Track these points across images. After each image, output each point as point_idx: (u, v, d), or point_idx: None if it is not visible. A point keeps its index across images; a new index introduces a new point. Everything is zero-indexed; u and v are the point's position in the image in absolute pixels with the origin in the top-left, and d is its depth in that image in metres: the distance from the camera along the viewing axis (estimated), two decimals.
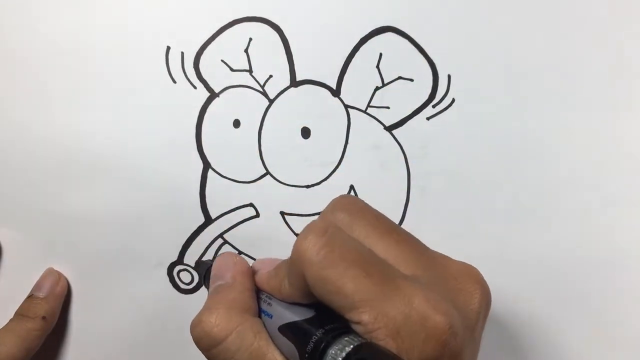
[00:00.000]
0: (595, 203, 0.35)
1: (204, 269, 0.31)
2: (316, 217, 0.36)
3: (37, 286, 0.36)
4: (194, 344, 0.37)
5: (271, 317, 0.25)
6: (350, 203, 0.26)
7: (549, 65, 0.34)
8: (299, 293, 0.24)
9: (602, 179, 0.35)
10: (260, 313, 0.26)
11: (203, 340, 0.24)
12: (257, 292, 0.27)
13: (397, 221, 0.36)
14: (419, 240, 0.25)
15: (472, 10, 0.34)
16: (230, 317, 0.24)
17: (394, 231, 0.25)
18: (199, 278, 0.35)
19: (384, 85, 0.35)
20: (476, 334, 0.24)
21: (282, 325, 0.24)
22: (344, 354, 0.21)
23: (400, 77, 0.35)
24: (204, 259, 0.36)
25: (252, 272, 0.28)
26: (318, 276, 0.22)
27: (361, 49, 0.35)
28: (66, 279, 0.37)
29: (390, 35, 0.35)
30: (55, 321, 0.36)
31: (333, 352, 0.21)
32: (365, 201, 0.34)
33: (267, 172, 0.36)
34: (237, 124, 0.35)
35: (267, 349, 0.24)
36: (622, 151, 0.34)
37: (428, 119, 0.35)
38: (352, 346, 0.21)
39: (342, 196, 0.26)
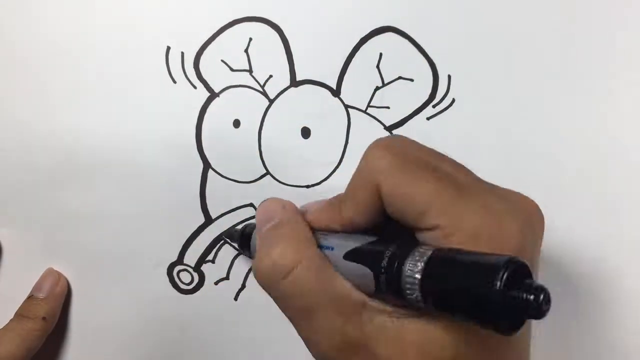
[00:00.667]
0: (596, 203, 0.35)
1: (236, 235, 0.31)
2: None
3: (37, 286, 0.36)
4: (194, 343, 0.37)
5: (332, 249, 0.25)
6: (401, 136, 0.26)
7: (549, 65, 0.34)
8: (362, 214, 0.24)
9: (602, 178, 0.35)
10: (320, 248, 0.25)
11: (270, 274, 0.24)
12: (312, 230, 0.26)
13: None
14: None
15: (472, 10, 0.34)
16: (295, 248, 0.24)
17: (449, 158, 0.25)
18: (239, 244, 0.33)
19: (384, 85, 0.35)
20: (537, 254, 0.24)
21: (347, 252, 0.24)
22: (424, 259, 0.20)
23: (400, 77, 0.35)
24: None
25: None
26: (394, 184, 0.22)
27: (361, 48, 0.35)
28: (66, 279, 0.37)
29: (390, 35, 0.35)
30: (55, 321, 0.36)
31: (411, 262, 0.20)
32: None
33: (267, 172, 0.36)
34: (237, 124, 0.35)
35: (334, 277, 0.24)
36: (623, 151, 0.34)
37: (428, 119, 0.35)
38: (430, 252, 0.20)
39: (400, 135, 0.27)
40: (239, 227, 0.34)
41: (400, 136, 0.26)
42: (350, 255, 0.24)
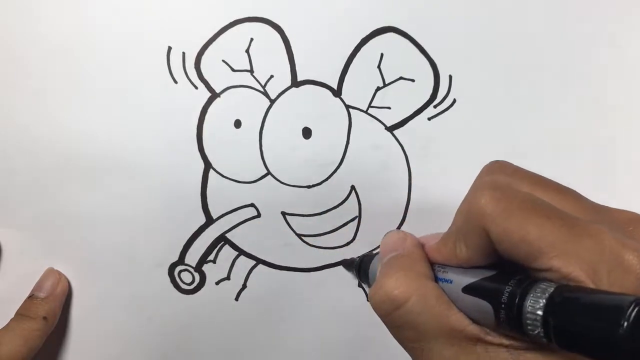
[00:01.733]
0: (596, 201, 0.35)
1: (353, 263, 0.32)
2: (319, 216, 0.36)
3: (38, 286, 0.36)
4: (195, 343, 0.37)
5: (451, 282, 0.25)
6: (504, 165, 0.26)
7: (549, 66, 0.34)
8: (477, 254, 0.24)
9: (602, 179, 0.35)
10: (436, 280, 0.26)
11: (384, 304, 0.24)
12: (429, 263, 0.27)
13: (397, 221, 0.36)
14: (579, 193, 0.25)
15: (473, 11, 0.34)
16: (410, 280, 0.25)
17: (554, 183, 0.25)
18: (356, 274, 0.34)
19: (385, 85, 0.35)
20: None
21: (466, 286, 0.24)
22: (546, 295, 0.20)
23: (401, 78, 0.35)
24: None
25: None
26: (502, 229, 0.22)
27: (362, 49, 0.35)
28: (67, 279, 0.37)
29: (391, 35, 0.35)
30: (56, 321, 0.36)
31: (533, 298, 0.20)
32: (369, 201, 0.34)
33: (268, 172, 0.36)
34: (238, 124, 0.35)
35: (450, 310, 0.24)
36: (623, 151, 0.35)
37: (429, 119, 0.35)
38: (552, 288, 0.20)
39: (492, 161, 0.26)
40: (358, 257, 0.34)
41: (501, 167, 0.26)
42: (469, 290, 0.24)
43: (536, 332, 0.20)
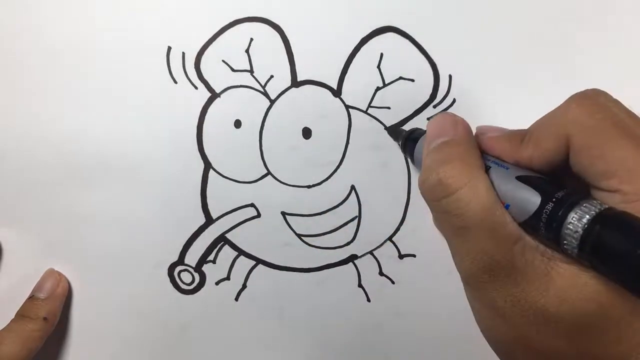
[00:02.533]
0: None
1: (400, 135, 0.31)
2: (318, 216, 0.36)
3: (38, 287, 0.36)
4: (194, 344, 0.37)
5: (507, 168, 0.25)
6: (605, 92, 0.25)
7: (549, 66, 0.34)
8: (542, 157, 0.24)
9: None
10: (487, 168, 0.26)
11: (435, 190, 0.25)
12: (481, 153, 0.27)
13: (397, 221, 0.36)
14: None
15: (473, 11, 0.34)
16: (463, 169, 0.25)
17: None
18: (402, 146, 0.33)
19: (384, 85, 0.35)
20: None
21: (522, 175, 0.24)
22: (593, 213, 0.20)
23: (401, 78, 0.35)
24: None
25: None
26: (586, 139, 0.22)
27: (362, 49, 0.35)
28: (67, 279, 0.37)
29: (391, 35, 0.35)
30: (56, 322, 0.36)
31: (579, 211, 0.20)
32: (369, 201, 0.34)
33: (268, 173, 0.36)
34: (238, 124, 0.35)
35: (497, 204, 0.24)
36: None
37: (429, 119, 0.35)
38: (600, 208, 0.20)
39: (592, 89, 0.26)
40: (407, 128, 0.33)
41: (603, 92, 0.25)
42: (524, 179, 0.24)
43: (572, 245, 0.20)
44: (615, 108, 0.24)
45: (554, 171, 0.25)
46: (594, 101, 0.23)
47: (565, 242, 0.21)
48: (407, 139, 0.32)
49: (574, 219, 0.21)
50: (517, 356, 0.25)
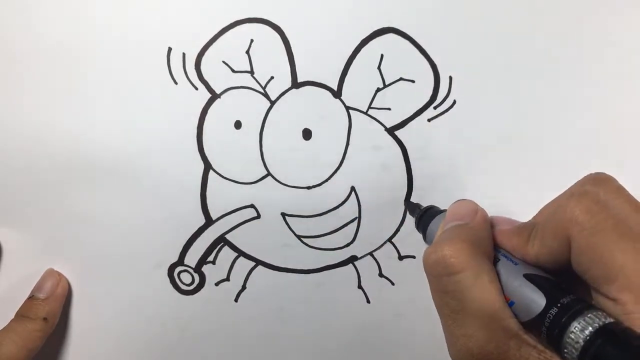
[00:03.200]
0: None
1: (416, 210, 0.31)
2: (318, 217, 0.36)
3: (38, 287, 0.36)
4: (194, 344, 0.37)
5: (516, 264, 0.25)
6: (610, 179, 0.25)
7: (549, 66, 0.34)
8: (548, 256, 0.24)
9: None
10: (496, 259, 0.26)
11: (438, 267, 0.24)
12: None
13: (397, 222, 0.36)
14: None
15: (473, 12, 0.34)
16: (470, 253, 0.24)
17: None
18: (416, 221, 0.33)
19: (385, 86, 0.35)
20: None
21: (530, 273, 0.24)
22: (596, 326, 0.20)
23: (401, 79, 0.35)
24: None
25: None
26: (586, 241, 0.22)
27: (362, 50, 0.35)
28: (67, 280, 0.37)
29: (391, 36, 0.35)
30: (56, 322, 0.36)
31: (582, 322, 0.20)
32: (369, 202, 0.34)
33: (268, 174, 0.36)
34: (238, 125, 0.35)
35: (499, 297, 0.24)
36: (623, 151, 0.34)
37: (429, 120, 0.35)
38: (604, 321, 0.20)
39: (599, 172, 0.25)
40: (423, 206, 0.33)
41: (605, 183, 0.24)
42: (531, 278, 0.24)
43: (571, 354, 0.20)
44: (617, 203, 0.23)
45: (562, 268, 0.24)
46: (594, 198, 0.23)
47: (565, 350, 0.21)
48: (422, 215, 0.32)
49: (576, 328, 0.20)
50: None
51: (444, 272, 0.24)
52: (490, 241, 0.26)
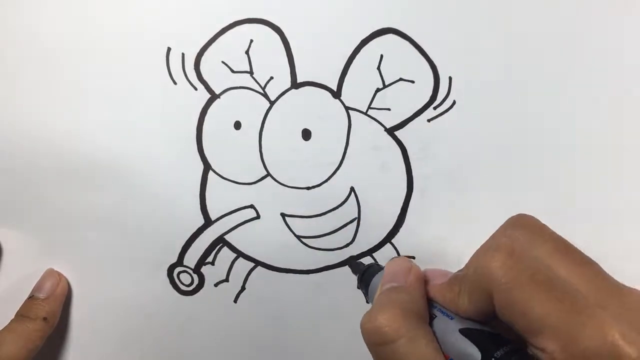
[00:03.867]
0: (595, 203, 0.35)
1: (358, 269, 0.31)
2: (318, 218, 0.36)
3: (38, 287, 0.36)
4: (193, 345, 0.37)
5: (452, 318, 0.25)
6: (530, 221, 0.25)
7: (549, 67, 0.34)
8: (478, 311, 0.24)
9: (602, 179, 0.34)
10: (432, 316, 0.26)
11: (373, 336, 0.24)
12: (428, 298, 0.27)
13: (397, 222, 0.36)
14: (599, 266, 0.24)
15: (472, 12, 0.34)
16: (404, 320, 0.24)
17: (576, 252, 0.24)
18: (358, 280, 0.33)
19: (384, 86, 0.35)
20: None
21: (466, 328, 0.24)
22: None
23: (401, 79, 0.35)
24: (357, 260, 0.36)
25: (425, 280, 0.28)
26: (506, 297, 0.22)
27: (362, 50, 0.35)
28: (67, 280, 0.37)
29: (391, 36, 0.35)
30: (56, 322, 0.36)
31: None
32: (368, 202, 0.34)
33: (268, 174, 0.36)
34: (237, 125, 0.35)
35: (438, 355, 0.24)
36: (624, 151, 0.34)
37: (429, 120, 0.35)
38: None
39: (520, 214, 0.26)
40: (366, 263, 0.34)
41: (523, 225, 0.25)
42: (467, 332, 0.24)
43: None
44: (533, 251, 0.23)
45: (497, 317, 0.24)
46: (508, 250, 0.23)
47: None
48: (363, 274, 0.32)
49: None
50: None
51: (380, 341, 0.24)
52: (424, 300, 0.26)
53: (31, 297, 0.36)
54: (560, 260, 0.23)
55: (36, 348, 0.35)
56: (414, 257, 0.36)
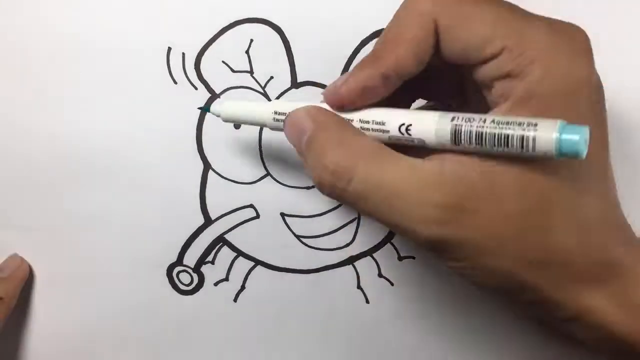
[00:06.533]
0: None
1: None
2: (318, 217, 0.36)
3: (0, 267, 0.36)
4: (193, 345, 0.37)
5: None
6: None
7: None
8: (411, 54, 0.23)
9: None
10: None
11: (337, 183, 0.23)
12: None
13: None
14: None
15: None
16: (345, 146, 0.23)
17: None
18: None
19: None
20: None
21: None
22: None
23: None
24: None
25: (327, 107, 0.26)
26: (453, 13, 0.22)
27: (362, 50, 0.35)
28: (29, 265, 0.36)
29: None
30: (13, 304, 0.35)
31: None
32: None
33: (268, 173, 0.36)
34: (237, 125, 0.35)
35: (395, 154, 0.23)
36: (624, 151, 0.34)
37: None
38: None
39: None
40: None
41: None
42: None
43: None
44: None
45: (426, 74, 0.24)
46: None
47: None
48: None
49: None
50: (526, 282, 0.23)
51: (344, 183, 0.23)
52: (341, 120, 0.25)
53: None
54: None
55: None
56: (414, 257, 0.36)
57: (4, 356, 0.37)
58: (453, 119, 0.22)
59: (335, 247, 0.36)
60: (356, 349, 0.37)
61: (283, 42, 0.35)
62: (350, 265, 0.36)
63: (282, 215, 0.36)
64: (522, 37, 0.21)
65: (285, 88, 0.35)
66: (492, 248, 0.22)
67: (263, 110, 0.28)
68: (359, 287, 0.36)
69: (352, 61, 0.35)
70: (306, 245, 0.36)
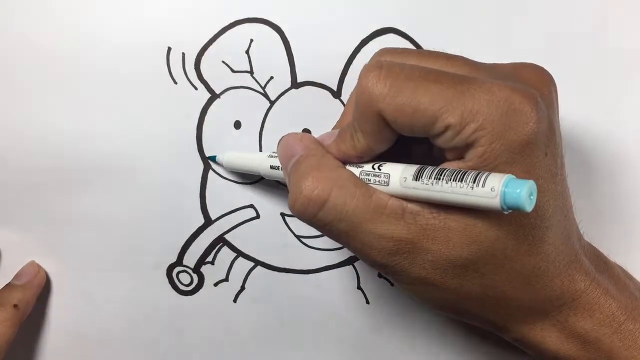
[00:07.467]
0: (595, 203, 0.35)
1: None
2: None
3: (17, 275, 0.36)
4: (193, 345, 0.37)
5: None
6: (390, 49, 0.27)
7: (549, 66, 0.34)
8: (375, 140, 0.25)
9: (604, 179, 0.35)
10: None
11: (308, 208, 0.24)
12: None
13: None
14: (466, 57, 0.26)
15: (473, 12, 0.34)
16: (324, 176, 0.25)
17: (440, 53, 0.26)
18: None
19: None
20: (556, 116, 0.26)
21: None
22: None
23: None
24: None
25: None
26: (394, 105, 0.23)
27: (362, 50, 0.35)
28: (45, 272, 0.37)
29: (391, 36, 0.35)
30: (28, 311, 0.35)
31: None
32: None
33: None
34: (238, 125, 0.35)
35: (369, 190, 0.24)
36: (625, 151, 0.34)
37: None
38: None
39: (381, 48, 0.28)
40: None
41: (387, 51, 0.27)
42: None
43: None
44: (401, 59, 0.25)
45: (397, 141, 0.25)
46: (377, 66, 0.23)
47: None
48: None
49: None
50: (469, 310, 0.26)
51: (317, 207, 0.24)
52: (328, 155, 0.27)
53: (7, 285, 0.35)
54: (430, 62, 0.25)
55: (6, 335, 0.34)
56: None
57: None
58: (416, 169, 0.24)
59: (335, 247, 0.36)
60: (356, 349, 0.37)
61: (283, 42, 0.35)
62: (350, 266, 0.36)
63: (283, 215, 0.36)
64: (462, 113, 0.22)
65: (285, 88, 0.35)
66: (436, 281, 0.24)
67: (260, 162, 0.32)
68: (359, 287, 0.36)
69: (352, 61, 0.35)
70: (306, 245, 0.36)
